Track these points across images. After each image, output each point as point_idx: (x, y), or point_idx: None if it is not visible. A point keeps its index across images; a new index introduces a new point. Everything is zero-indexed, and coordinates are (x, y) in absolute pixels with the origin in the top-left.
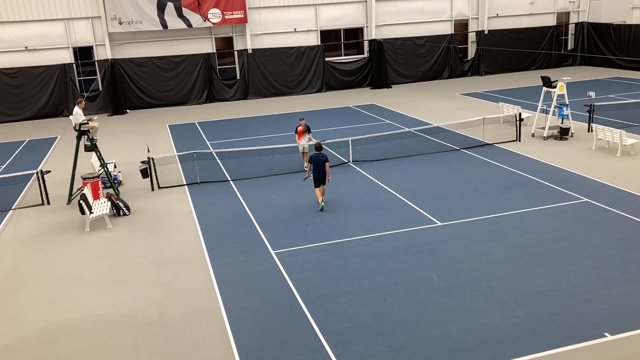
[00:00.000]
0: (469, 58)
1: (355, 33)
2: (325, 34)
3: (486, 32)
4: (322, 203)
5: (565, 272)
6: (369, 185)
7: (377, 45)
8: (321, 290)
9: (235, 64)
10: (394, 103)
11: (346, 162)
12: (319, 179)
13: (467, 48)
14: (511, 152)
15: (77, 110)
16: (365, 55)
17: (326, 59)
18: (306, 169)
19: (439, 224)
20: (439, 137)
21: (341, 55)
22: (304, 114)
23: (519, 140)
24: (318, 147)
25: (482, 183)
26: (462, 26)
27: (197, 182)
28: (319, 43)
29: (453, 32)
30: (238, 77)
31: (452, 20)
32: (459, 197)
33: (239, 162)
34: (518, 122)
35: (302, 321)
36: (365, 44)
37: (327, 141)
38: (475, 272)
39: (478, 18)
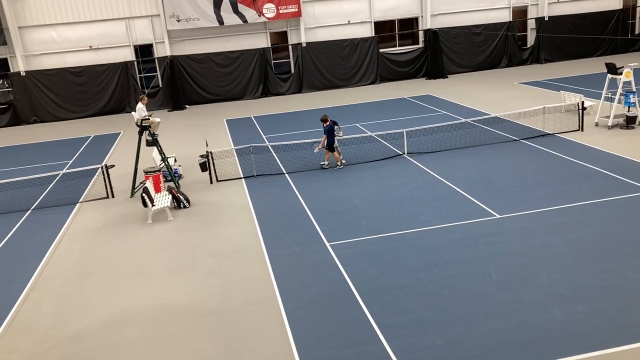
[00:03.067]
0: (528, 46)
1: (409, 23)
2: (379, 25)
3: (546, 19)
4: (343, 161)
5: (633, 266)
6: (424, 178)
7: (433, 35)
8: (376, 283)
9: (289, 58)
10: (450, 93)
11: (401, 154)
12: (332, 145)
13: (526, 35)
14: (573, 142)
15: (140, 106)
16: (420, 45)
17: (380, 50)
18: (317, 148)
19: (498, 216)
20: (498, 127)
21: (395, 46)
22: (358, 106)
23: (582, 130)
24: (325, 119)
25: (542, 174)
26: (520, 13)
27: (253, 175)
28: (373, 34)
29: (511, 20)
30: (292, 70)
31: (510, 7)
32: (519, 189)
33: (294, 155)
34: (580, 111)
35: (357, 313)
36: (420, 34)
37: (381, 132)
38: (535, 266)
39: (538, 4)
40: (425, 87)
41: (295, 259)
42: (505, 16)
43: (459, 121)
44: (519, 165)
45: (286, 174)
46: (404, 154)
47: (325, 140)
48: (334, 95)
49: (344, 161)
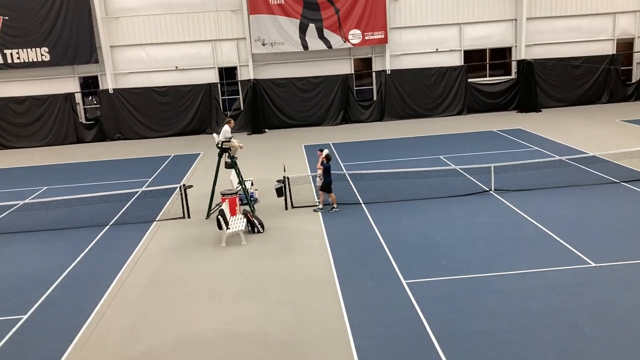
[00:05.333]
0: (633, 81)
1: (502, 53)
2: (469, 54)
3: None
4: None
5: None
6: (512, 217)
7: (527, 65)
8: (455, 327)
9: (372, 85)
10: (543, 128)
11: (487, 191)
12: (330, 185)
13: (631, 70)
14: None
15: (226, 128)
16: (513, 76)
17: (469, 80)
18: (319, 203)
19: (593, 264)
20: (596, 167)
21: (486, 76)
22: (442, 138)
23: None
24: (330, 157)
25: None
26: (626, 46)
27: (329, 204)
28: (462, 63)
29: (615, 52)
30: (375, 98)
31: (614, 39)
32: (618, 236)
33: (371, 184)
34: None
35: (433, 358)
36: (513, 64)
37: (466, 166)
38: (635, 324)
39: None
40: (517, 120)
41: (369, 294)
42: (609, 48)
43: (553, 159)
44: (620, 210)
45: (362, 204)
46: (491, 190)
47: (322, 180)
48: (417, 125)
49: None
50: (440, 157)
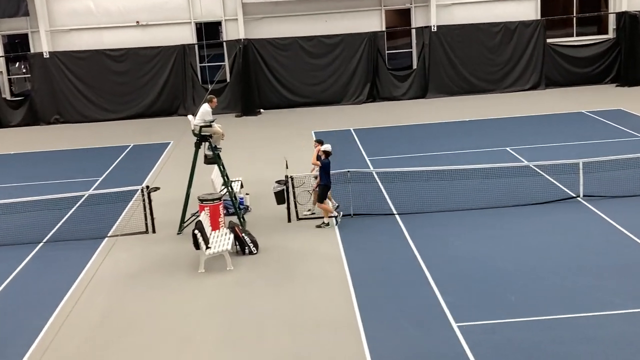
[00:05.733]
0: None
1: (594, 3)
2: (548, 4)
3: None
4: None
5: None
6: (608, 235)
7: (630, 20)
8: None
9: (411, 48)
10: None
11: (573, 197)
12: (327, 191)
13: None
14: None
15: (206, 109)
16: (610, 35)
17: (548, 40)
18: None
19: None
20: None
21: (572, 35)
22: (510, 122)
23: None
24: (330, 153)
25: None
26: None
27: (349, 214)
28: (539, 17)
29: None
30: (415, 66)
31: None
32: None
33: (409, 187)
34: None
35: None
36: (611, 18)
37: (543, 162)
38: None
39: None
40: (615, 97)
41: (406, 343)
42: None
43: None
44: None
45: (396, 215)
46: (578, 196)
47: (319, 182)
48: (473, 104)
49: (337, 214)
50: (507, 149)
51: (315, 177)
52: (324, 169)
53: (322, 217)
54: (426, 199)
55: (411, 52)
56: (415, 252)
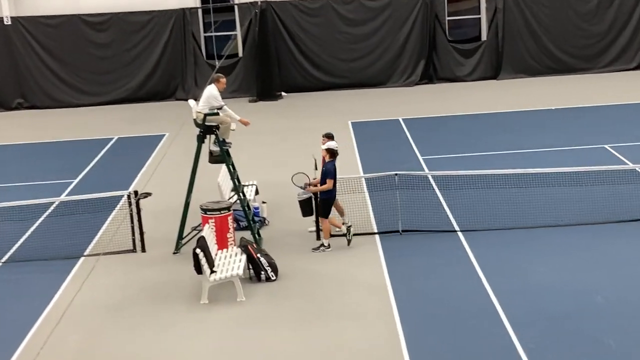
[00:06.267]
0: None
1: None
2: None
3: None
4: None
5: None
6: None
7: None
8: None
9: (479, 13)
10: None
11: None
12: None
13: None
14: None
15: (212, 92)
16: None
17: None
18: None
19: None
20: None
21: None
22: (610, 111)
23: None
24: (335, 153)
25: None
26: None
27: (397, 231)
28: None
29: None
30: (484, 37)
31: None
32: None
33: (476, 196)
34: None
35: None
36: None
37: None
38: None
39: None
40: None
41: None
42: None
43: None
44: None
45: (459, 232)
46: None
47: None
48: (561, 87)
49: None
50: (606, 147)
51: (306, 187)
52: (328, 175)
53: (342, 231)
54: (498, 211)
55: (479, 19)
56: (484, 281)
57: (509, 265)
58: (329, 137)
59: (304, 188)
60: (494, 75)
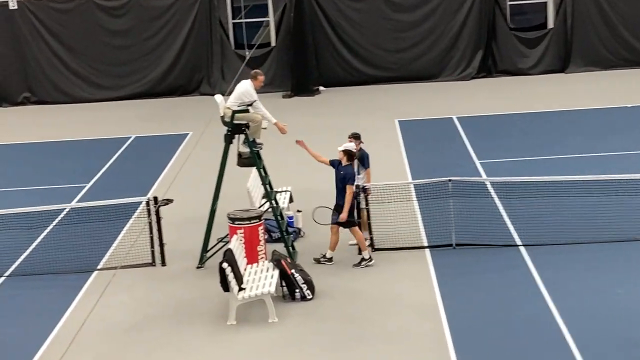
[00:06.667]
0: None
1: None
2: None
3: None
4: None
5: None
6: None
7: None
8: None
9: None
10: None
11: None
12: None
13: None
14: None
15: (247, 88)
16: None
17: None
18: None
19: None
20: None
21: None
22: None
23: None
24: (351, 154)
25: None
26: None
27: (450, 245)
28: None
29: None
30: (550, 24)
31: None
32: None
33: (541, 206)
34: None
35: None
36: None
37: None
38: None
39: None
40: None
41: None
42: None
43: None
44: None
45: (521, 247)
46: None
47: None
48: None
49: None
50: None
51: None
52: (348, 181)
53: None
54: (566, 223)
55: (545, 3)
56: (549, 303)
57: (579, 285)
58: (356, 137)
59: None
60: (562, 68)
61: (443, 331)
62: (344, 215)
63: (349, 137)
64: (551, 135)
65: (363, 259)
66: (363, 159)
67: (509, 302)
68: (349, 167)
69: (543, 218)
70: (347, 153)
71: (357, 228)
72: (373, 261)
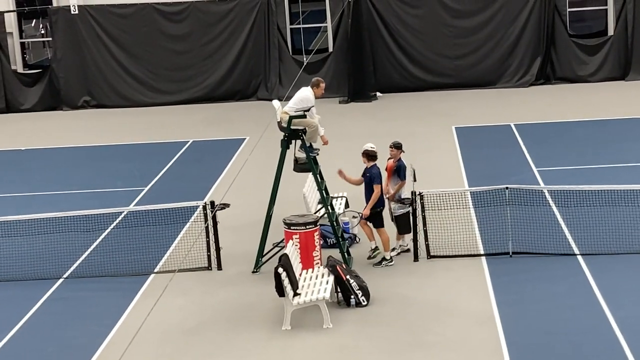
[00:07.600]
0: None
1: None
2: None
3: None
4: (376, 252)
5: None
6: None
7: None
8: None
9: (606, 4)
10: None
11: None
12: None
13: None
14: None
15: (307, 94)
16: None
17: None
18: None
19: None
20: None
21: None
22: None
23: None
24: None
25: None
26: None
27: (507, 253)
28: None
29: None
30: (611, 31)
31: None
32: None
33: (598, 214)
34: None
35: None
36: None
37: None
38: None
39: None
40: None
41: None
42: None
43: None
44: None
45: (579, 257)
46: None
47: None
48: None
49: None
50: None
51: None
52: (375, 181)
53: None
54: (626, 232)
55: (606, 10)
56: (607, 314)
57: (638, 295)
58: (397, 147)
59: (359, 217)
60: (622, 76)
61: (499, 340)
62: (366, 211)
63: (390, 147)
64: (610, 143)
65: (384, 259)
66: (400, 170)
67: (565, 311)
68: (374, 167)
69: (601, 227)
70: (366, 154)
71: (384, 229)
72: (392, 263)
